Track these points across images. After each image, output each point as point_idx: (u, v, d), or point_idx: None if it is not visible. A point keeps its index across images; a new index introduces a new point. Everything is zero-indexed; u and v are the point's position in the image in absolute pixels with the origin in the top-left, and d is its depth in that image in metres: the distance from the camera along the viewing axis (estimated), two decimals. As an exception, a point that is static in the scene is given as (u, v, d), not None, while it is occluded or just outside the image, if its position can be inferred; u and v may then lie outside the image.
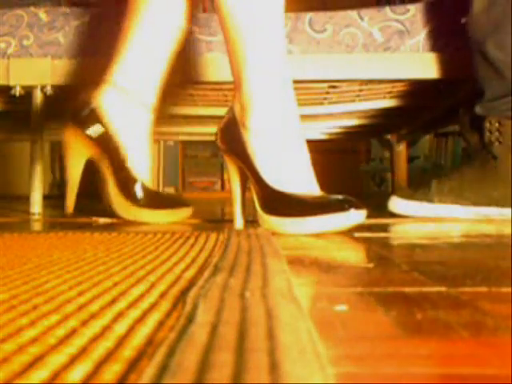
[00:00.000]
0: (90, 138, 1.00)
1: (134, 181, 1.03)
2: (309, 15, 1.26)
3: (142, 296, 0.34)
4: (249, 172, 0.85)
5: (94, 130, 1.00)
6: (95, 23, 1.27)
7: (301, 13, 1.26)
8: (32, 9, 1.28)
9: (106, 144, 1.01)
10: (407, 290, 0.38)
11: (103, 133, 1.01)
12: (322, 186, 0.83)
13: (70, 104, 1.03)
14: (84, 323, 0.28)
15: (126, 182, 1.02)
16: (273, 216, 0.82)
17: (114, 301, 0.33)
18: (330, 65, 1.25)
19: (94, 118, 1.00)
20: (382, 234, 0.78)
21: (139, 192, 1.03)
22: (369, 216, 0.78)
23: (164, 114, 1.85)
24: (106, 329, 0.27)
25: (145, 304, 0.32)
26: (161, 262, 0.49)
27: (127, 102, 1.02)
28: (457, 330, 0.28)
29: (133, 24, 1.02)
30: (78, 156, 1.01)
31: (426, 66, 1.24)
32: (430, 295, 0.37)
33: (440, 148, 3.50)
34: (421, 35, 1.24)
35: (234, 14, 0.85)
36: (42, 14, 1.27)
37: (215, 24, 1.22)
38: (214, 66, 1.25)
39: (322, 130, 1.90)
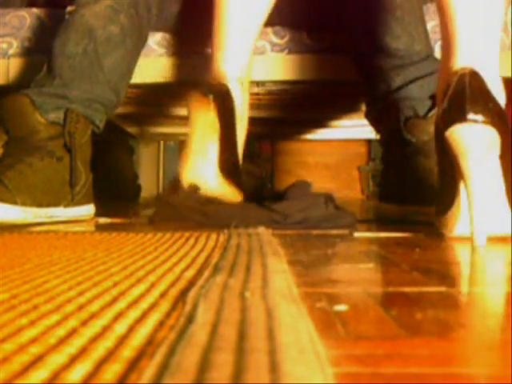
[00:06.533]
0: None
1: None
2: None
3: (141, 296, 0.34)
4: None
5: None
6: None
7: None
8: (34, 10, 1.28)
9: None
10: (407, 289, 0.38)
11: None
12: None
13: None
14: (84, 323, 0.28)
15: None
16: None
17: (114, 301, 0.33)
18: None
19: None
20: (382, 234, 0.78)
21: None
22: (369, 216, 0.78)
23: (165, 115, 1.85)
24: (106, 329, 0.27)
25: (145, 304, 0.32)
26: (161, 262, 0.49)
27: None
28: (457, 330, 0.28)
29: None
30: None
31: None
32: (429, 295, 0.37)
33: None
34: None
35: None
36: (45, 16, 1.27)
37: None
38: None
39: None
